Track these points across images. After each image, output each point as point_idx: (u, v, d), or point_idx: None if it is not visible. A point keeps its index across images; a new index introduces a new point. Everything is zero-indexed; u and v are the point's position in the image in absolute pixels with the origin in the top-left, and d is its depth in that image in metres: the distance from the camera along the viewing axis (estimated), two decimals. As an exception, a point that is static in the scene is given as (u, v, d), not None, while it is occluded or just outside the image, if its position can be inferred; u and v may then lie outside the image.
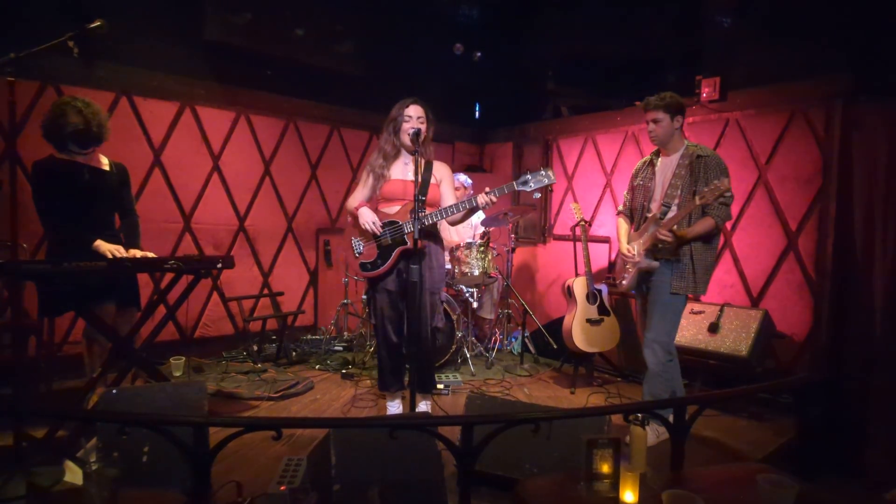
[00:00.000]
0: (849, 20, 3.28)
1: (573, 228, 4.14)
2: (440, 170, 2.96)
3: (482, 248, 4.10)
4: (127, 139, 3.89)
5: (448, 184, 2.98)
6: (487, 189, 2.66)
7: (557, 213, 5.30)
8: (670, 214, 2.83)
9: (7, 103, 2.28)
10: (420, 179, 2.59)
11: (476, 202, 2.69)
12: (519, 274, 5.48)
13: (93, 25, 2.47)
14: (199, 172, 4.39)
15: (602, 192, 4.83)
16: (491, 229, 4.54)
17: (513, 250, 4.77)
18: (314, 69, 4.70)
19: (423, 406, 3.04)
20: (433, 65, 5.19)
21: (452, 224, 3.01)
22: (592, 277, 3.88)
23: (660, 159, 2.99)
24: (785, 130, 3.67)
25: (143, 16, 3.89)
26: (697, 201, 2.68)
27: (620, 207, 3.26)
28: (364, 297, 4.65)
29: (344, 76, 4.86)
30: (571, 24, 4.92)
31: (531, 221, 5.50)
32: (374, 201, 2.97)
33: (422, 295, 2.73)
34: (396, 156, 2.95)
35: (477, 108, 6.04)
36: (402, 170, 2.92)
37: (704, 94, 3.93)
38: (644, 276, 2.99)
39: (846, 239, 3.36)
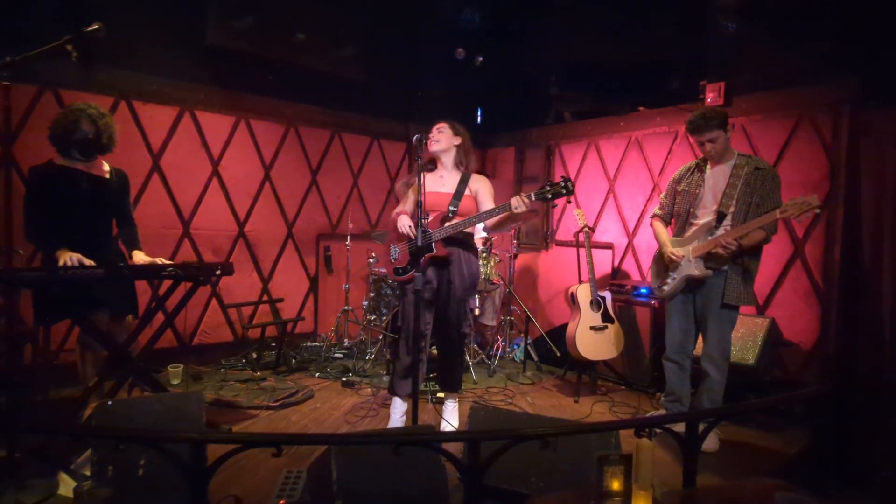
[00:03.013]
0: (856, 25, 3.25)
1: (576, 234, 4.10)
2: (476, 182, 3.04)
3: (484, 254, 4.06)
4: (126, 144, 3.80)
5: (485, 194, 3.02)
6: (522, 194, 2.71)
7: (560, 219, 5.25)
8: (727, 222, 2.85)
9: (3, 108, 2.24)
10: (447, 190, 2.94)
11: (510, 206, 2.70)
12: (521, 280, 5.42)
13: (91, 29, 2.44)
14: (199, 178, 4.35)
15: (605, 198, 4.79)
16: (493, 235, 4.50)
17: (515, 256, 4.73)
18: (315, 74, 4.67)
19: (451, 404, 3.14)
20: (435, 70, 5.16)
21: (488, 230, 3.15)
22: (596, 284, 3.83)
23: (708, 167, 2.99)
24: (791, 136, 3.64)
25: (143, 19, 3.85)
26: (779, 215, 2.68)
27: (657, 211, 3.23)
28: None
29: (345, 81, 4.83)
30: (574, 28, 4.89)
31: (534, 227, 5.45)
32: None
33: (449, 301, 2.95)
34: (433, 170, 3.09)
35: (479, 113, 6.00)
36: (437, 182, 3.04)
37: (709, 100, 3.90)
38: (691, 285, 2.98)
39: (854, 246, 3.32)
